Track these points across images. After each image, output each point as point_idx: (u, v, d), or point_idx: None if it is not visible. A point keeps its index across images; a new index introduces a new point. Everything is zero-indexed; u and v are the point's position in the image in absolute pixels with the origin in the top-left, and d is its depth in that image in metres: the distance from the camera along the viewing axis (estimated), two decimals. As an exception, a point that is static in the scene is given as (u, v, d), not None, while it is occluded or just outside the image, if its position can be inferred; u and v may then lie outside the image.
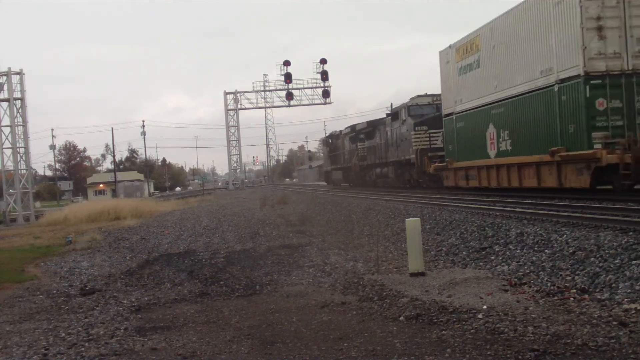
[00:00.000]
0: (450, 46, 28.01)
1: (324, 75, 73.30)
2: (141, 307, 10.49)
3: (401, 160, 36.64)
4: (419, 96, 35.61)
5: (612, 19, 17.88)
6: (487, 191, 24.70)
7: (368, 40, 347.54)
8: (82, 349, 7.89)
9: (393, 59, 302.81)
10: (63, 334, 8.74)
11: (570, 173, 18.85)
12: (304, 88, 74.48)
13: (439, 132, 31.31)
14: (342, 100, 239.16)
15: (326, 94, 74.24)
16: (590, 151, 17.54)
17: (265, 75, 78.92)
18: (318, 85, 74.15)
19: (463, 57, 26.54)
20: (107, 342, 8.11)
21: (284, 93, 74.57)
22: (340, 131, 56.14)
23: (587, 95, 17.80)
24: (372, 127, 44.06)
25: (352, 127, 50.71)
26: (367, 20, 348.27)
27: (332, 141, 60.29)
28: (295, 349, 7.24)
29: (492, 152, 24.21)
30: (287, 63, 73.10)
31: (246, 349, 7.43)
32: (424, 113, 34.22)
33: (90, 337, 8.43)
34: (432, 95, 34.63)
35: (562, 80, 18.94)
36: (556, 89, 19.31)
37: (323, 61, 73.37)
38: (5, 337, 8.89)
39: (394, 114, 38.56)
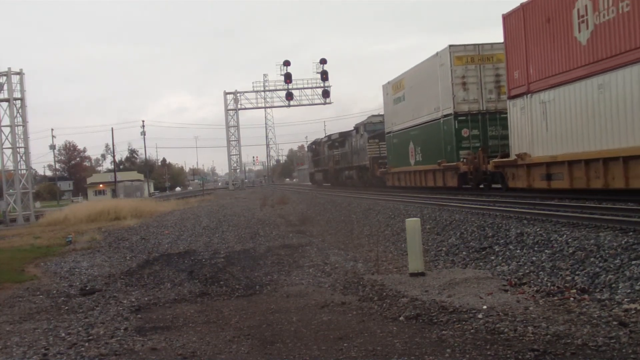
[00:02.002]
0: (388, 82, 37.34)
1: (324, 75, 73.29)
2: (141, 307, 10.48)
3: (361, 165, 46.11)
4: (373, 115, 46.26)
5: (472, 77, 26.92)
6: (410, 188, 34.51)
7: (370, 40, 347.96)
8: (82, 349, 7.89)
9: (395, 59, 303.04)
10: (63, 334, 8.74)
11: (449, 177, 28.66)
12: (304, 88, 74.50)
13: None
14: (344, 100, 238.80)
15: (326, 94, 74.24)
16: (456, 163, 26.99)
17: (265, 75, 78.89)
18: (318, 85, 74.17)
19: (395, 91, 35.87)
20: (107, 342, 8.11)
21: (283, 93, 74.57)
22: (321, 139, 65.78)
23: (456, 127, 27.05)
24: (343, 138, 53.02)
25: (329, 137, 59.85)
26: (369, 20, 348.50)
27: (315, 147, 68.87)
28: (295, 349, 7.23)
29: (412, 161, 33.67)
30: (287, 63, 73.08)
31: (246, 349, 7.43)
32: (376, 129, 42.91)
33: (90, 337, 8.43)
34: (383, 115, 42.11)
35: (444, 116, 28.10)
36: (441, 121, 28.49)
37: (323, 61, 73.38)
38: (5, 337, 8.88)
39: (357, 128, 47.78)
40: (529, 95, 21.22)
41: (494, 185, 26.03)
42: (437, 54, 28.57)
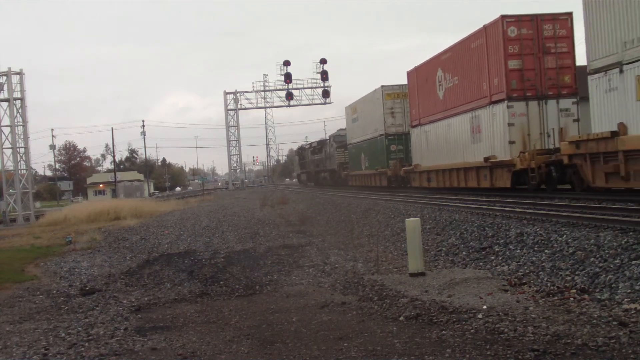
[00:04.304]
0: (349, 105, 49.08)
1: (324, 75, 73.15)
2: (141, 307, 10.48)
3: (332, 169, 57.95)
4: (341, 129, 56.76)
5: (398, 107, 37.80)
6: (364, 187, 44.74)
7: (370, 40, 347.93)
8: (82, 349, 7.89)
9: (395, 59, 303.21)
10: (63, 334, 8.74)
11: (382, 179, 40.47)
12: (304, 88, 74.39)
13: None
14: (345, 100, 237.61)
15: (326, 94, 74.15)
16: (385, 169, 38.47)
17: (265, 75, 78.75)
18: (318, 85, 74.12)
19: (353, 113, 47.48)
20: (107, 342, 8.11)
21: (284, 93, 74.50)
22: (305, 145, 77.44)
23: (387, 143, 38.08)
24: (321, 145, 64.17)
25: (311, 144, 71.60)
26: (369, 20, 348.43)
27: (301, 152, 79.93)
28: (295, 349, 7.24)
29: (363, 167, 45.06)
30: (287, 63, 72.99)
31: (246, 349, 7.43)
32: (343, 140, 53.59)
33: (90, 337, 8.43)
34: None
35: (380, 135, 39.05)
36: (378, 139, 39.43)
37: (323, 61, 73.27)
38: (5, 337, 8.89)
39: (330, 138, 60.06)
40: (420, 126, 32.58)
41: (409, 185, 36.20)
42: (374, 90, 39.69)
